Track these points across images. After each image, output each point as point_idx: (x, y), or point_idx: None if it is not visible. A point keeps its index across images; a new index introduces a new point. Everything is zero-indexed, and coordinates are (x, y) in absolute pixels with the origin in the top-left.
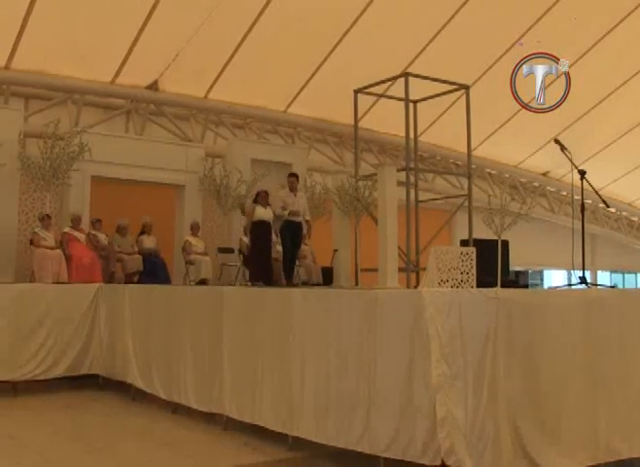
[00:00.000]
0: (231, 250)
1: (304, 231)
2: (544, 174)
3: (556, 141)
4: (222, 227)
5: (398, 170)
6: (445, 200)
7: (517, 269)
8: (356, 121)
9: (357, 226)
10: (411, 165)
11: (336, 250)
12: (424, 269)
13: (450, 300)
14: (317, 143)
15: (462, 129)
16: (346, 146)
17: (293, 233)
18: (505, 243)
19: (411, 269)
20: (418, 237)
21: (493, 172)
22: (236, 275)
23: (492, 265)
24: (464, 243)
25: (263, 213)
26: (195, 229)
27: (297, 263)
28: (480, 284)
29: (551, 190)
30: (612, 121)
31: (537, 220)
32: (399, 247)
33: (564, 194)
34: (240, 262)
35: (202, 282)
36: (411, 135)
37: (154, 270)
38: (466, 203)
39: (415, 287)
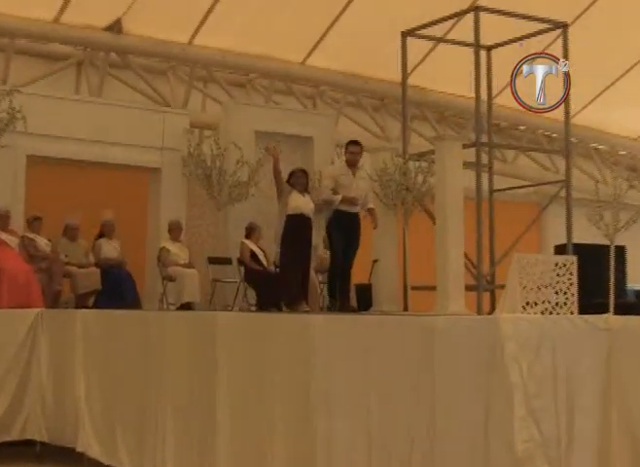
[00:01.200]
0: (227, 260)
1: (373, 224)
2: None
3: None
4: (214, 227)
5: (464, 146)
6: (533, 190)
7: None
8: (404, 76)
9: (406, 226)
10: (484, 139)
11: (375, 261)
12: (503, 286)
13: (541, 332)
14: (349, 108)
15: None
16: (390, 112)
17: (347, 230)
18: (620, 250)
19: (484, 288)
20: (494, 242)
21: (603, 148)
22: (235, 296)
23: (601, 281)
24: (560, 250)
25: (301, 203)
26: (175, 230)
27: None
28: (584, 309)
29: None
30: None
31: None
32: (466, 255)
33: None
34: (241, 277)
35: (187, 306)
36: (483, 96)
37: (117, 290)
38: (562, 193)
39: (490, 313)
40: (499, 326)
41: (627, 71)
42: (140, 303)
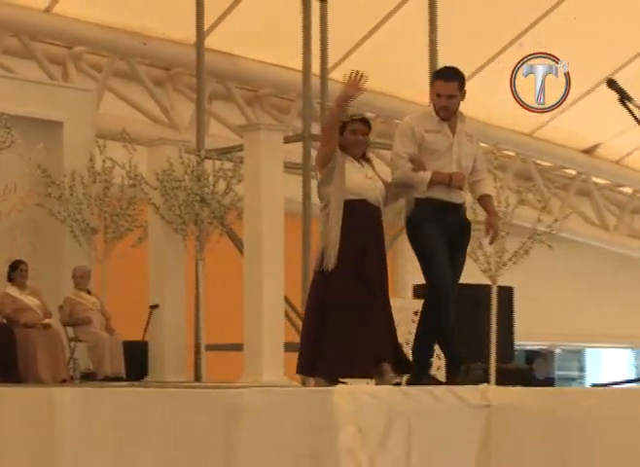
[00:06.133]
0: None
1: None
2: (587, 151)
3: (611, 83)
4: None
5: (287, 140)
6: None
7: (532, 346)
8: (201, 35)
9: (200, 256)
10: (315, 130)
11: (154, 306)
12: None
13: (391, 411)
14: (117, 80)
15: (420, 58)
16: (178, 87)
17: (447, 236)
18: (506, 293)
19: None
20: None
21: (483, 145)
22: None
23: (478, 337)
24: (422, 292)
25: (360, 179)
26: None
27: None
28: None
29: (603, 183)
30: None
31: (573, 244)
32: (287, 300)
33: (628, 192)
34: None
35: None
36: (315, 69)
37: None
38: None
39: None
40: (332, 403)
41: (515, 40)
42: None
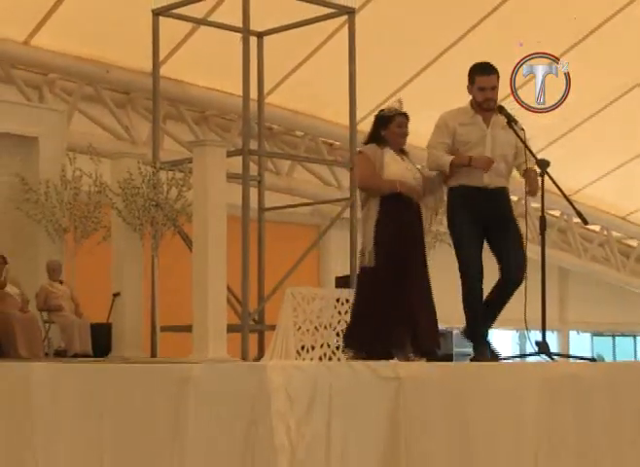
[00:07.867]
0: None
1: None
2: None
3: (500, 109)
4: None
5: (229, 154)
6: (312, 209)
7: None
8: (156, 65)
9: (156, 252)
10: (253, 146)
11: (116, 294)
12: (273, 327)
13: (316, 382)
14: (85, 102)
15: (341, 86)
16: (137, 109)
17: (482, 220)
18: None
19: (251, 328)
20: (263, 272)
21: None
22: None
23: None
24: (343, 283)
25: (400, 171)
26: None
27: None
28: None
29: None
30: (594, 78)
31: None
32: (229, 289)
33: (513, 199)
34: None
35: None
36: (253, 94)
37: None
38: (347, 214)
39: (257, 360)
40: (266, 375)
41: (427, 67)
42: None
